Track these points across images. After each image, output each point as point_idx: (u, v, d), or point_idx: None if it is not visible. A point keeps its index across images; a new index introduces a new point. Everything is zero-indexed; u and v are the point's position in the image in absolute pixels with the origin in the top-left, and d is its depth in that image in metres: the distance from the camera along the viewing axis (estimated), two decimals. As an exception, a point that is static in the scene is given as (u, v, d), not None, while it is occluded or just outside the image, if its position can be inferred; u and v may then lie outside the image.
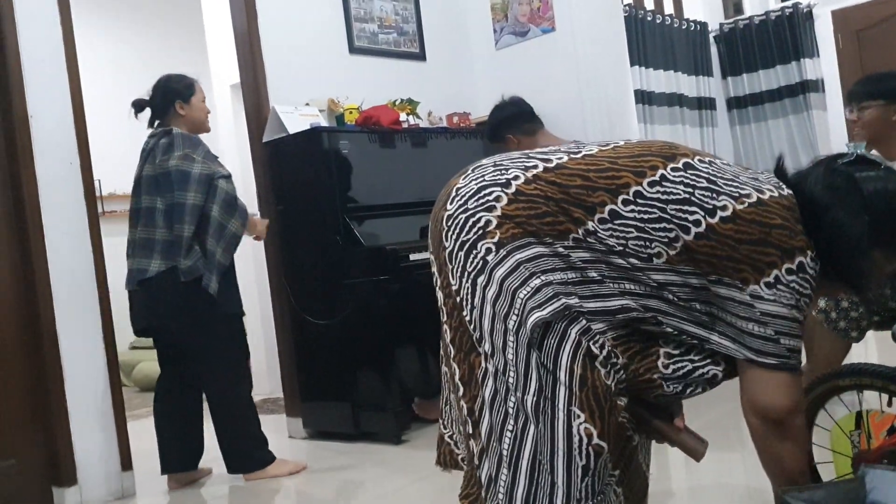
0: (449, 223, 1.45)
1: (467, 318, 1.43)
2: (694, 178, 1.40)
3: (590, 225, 1.38)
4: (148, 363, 5.99)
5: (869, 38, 6.36)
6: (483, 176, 1.48)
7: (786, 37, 6.58)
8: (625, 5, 5.32)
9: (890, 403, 1.79)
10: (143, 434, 3.63)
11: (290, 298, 3.83)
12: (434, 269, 1.52)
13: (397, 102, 4.23)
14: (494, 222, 1.40)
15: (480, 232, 1.41)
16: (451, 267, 1.45)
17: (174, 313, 3.13)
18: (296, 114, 3.83)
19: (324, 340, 3.74)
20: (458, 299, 1.44)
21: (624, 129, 4.56)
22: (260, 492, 3.21)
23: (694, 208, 1.37)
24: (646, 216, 1.37)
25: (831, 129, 6.50)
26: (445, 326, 1.50)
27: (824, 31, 6.55)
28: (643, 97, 5.95)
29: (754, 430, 1.45)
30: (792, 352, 1.38)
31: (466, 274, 1.42)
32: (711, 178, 1.40)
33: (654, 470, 2.85)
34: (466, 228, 1.42)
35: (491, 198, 1.42)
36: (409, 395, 3.67)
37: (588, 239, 1.39)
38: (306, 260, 3.79)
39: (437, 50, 4.78)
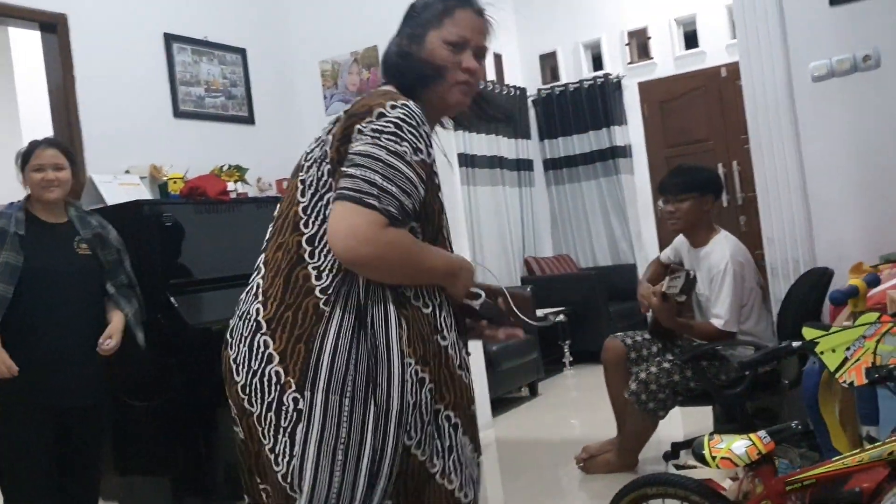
0: (247, 392, 1.49)
1: (282, 473, 1.45)
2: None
3: (312, 262, 1.49)
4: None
5: (670, 109, 6.96)
6: (241, 334, 1.53)
7: (598, 104, 7.07)
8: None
9: (691, 511, 1.96)
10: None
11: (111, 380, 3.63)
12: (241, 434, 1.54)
13: (224, 168, 4.15)
14: (282, 370, 1.45)
15: (279, 388, 1.45)
16: (262, 428, 1.47)
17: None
18: (115, 183, 3.66)
19: (145, 421, 3.57)
20: (272, 456, 1.46)
21: (449, 191, 4.69)
22: None
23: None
24: None
25: (638, 191, 7.02)
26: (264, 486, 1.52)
27: (631, 101, 7.09)
28: (466, 160, 6.19)
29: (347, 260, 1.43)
30: (373, 186, 1.39)
31: (282, 430, 1.44)
32: None
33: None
34: (265, 390, 1.46)
35: (262, 349, 1.48)
36: (232, 478, 3.57)
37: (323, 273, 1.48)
38: (127, 341, 3.61)
39: (266, 114, 4.74)
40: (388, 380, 1.43)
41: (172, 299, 3.50)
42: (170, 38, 4.22)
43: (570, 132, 7.24)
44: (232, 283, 3.81)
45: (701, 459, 1.86)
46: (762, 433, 1.83)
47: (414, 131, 1.46)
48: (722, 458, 1.82)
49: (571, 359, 6.26)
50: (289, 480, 1.44)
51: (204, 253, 3.77)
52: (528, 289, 5.67)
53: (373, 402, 1.42)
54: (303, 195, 1.54)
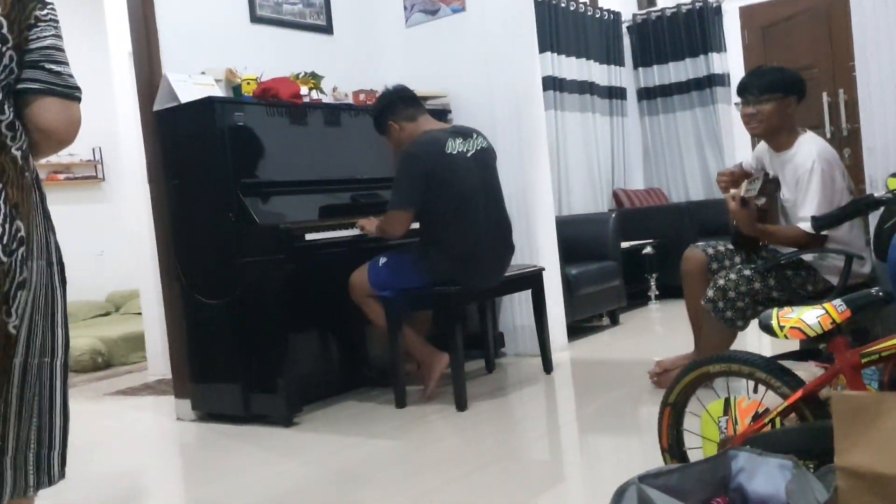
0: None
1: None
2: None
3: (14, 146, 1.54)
4: None
5: (773, 35, 6.53)
6: None
7: (695, 30, 6.71)
8: (538, -10, 5.30)
9: (756, 390, 1.81)
10: None
11: (181, 277, 3.69)
12: None
13: (300, 76, 4.11)
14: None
15: None
16: None
17: None
18: (190, 82, 3.66)
19: (215, 321, 3.61)
20: None
21: (531, 115, 4.54)
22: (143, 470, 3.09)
23: None
24: None
25: (735, 123, 6.65)
26: None
27: (731, 27, 6.70)
28: (554, 84, 5.98)
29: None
30: (72, 78, 1.54)
31: None
32: None
33: (547, 455, 2.87)
34: None
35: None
36: (300, 377, 3.59)
37: None
38: (199, 238, 3.65)
39: (344, 24, 4.67)
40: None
41: (243, 198, 3.50)
42: (248, -56, 4.18)
43: (666, 60, 6.92)
44: (302, 187, 3.81)
45: (768, 330, 1.70)
46: (837, 301, 1.65)
47: None
48: (791, 327, 1.66)
49: (658, 293, 6.03)
50: None
51: (275, 156, 3.76)
52: (613, 215, 5.46)
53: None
54: None
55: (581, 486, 2.57)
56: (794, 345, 2.73)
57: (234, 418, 3.60)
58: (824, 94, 6.09)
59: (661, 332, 5.24)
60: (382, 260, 3.56)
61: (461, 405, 3.42)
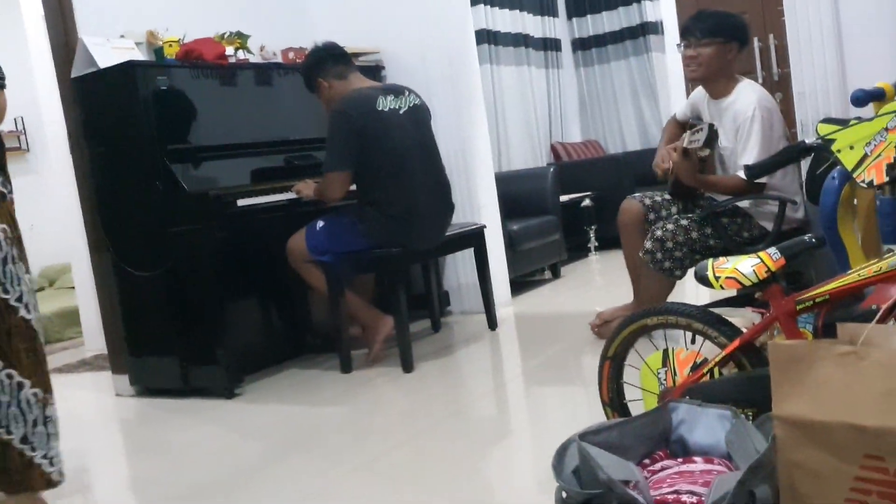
0: None
1: None
2: None
3: None
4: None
5: (704, -19, 6.53)
6: None
7: (628, -23, 6.67)
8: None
9: (693, 340, 1.82)
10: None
11: (111, 249, 3.56)
12: None
13: (226, 36, 3.95)
14: None
15: None
16: None
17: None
18: (108, 46, 3.50)
19: (149, 293, 3.50)
20: None
21: (467, 71, 4.47)
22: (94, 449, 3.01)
23: None
24: None
25: (669, 71, 6.68)
26: None
27: (663, -26, 6.67)
28: (488, 37, 5.90)
29: None
30: None
31: None
32: None
33: (495, 412, 2.88)
34: None
35: None
36: (240, 348, 3.52)
37: None
38: (126, 207, 3.52)
39: (270, -20, 4.51)
40: None
41: (170, 165, 3.38)
42: None
43: (599, 9, 6.88)
44: (233, 151, 3.70)
45: (704, 281, 1.70)
46: (772, 249, 1.65)
47: None
48: (727, 277, 1.66)
49: (597, 244, 6.09)
50: None
51: (203, 120, 3.63)
52: (552, 170, 5.46)
53: None
54: None
55: (529, 439, 2.58)
56: (730, 292, 2.77)
57: (175, 392, 3.52)
58: (755, 39, 6.13)
59: (601, 283, 5.29)
60: (320, 224, 3.48)
61: (407, 367, 3.40)
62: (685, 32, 3.13)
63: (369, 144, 3.31)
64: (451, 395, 3.10)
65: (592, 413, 2.49)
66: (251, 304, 3.76)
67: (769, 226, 3.04)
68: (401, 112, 3.43)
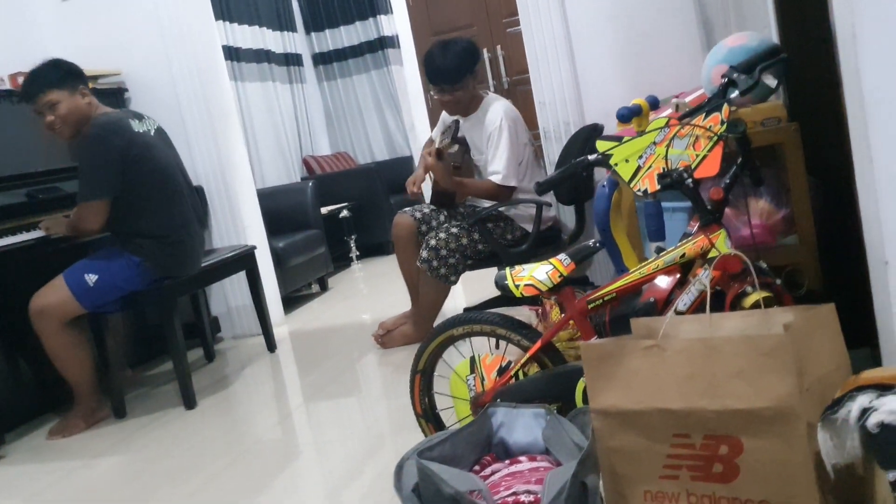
0: None
1: None
2: None
3: None
4: None
5: (435, -2, 6.86)
6: None
7: (361, -9, 6.84)
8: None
9: (497, 346, 1.94)
10: None
11: None
12: None
13: (-62, 60, 3.53)
14: None
15: None
16: None
17: None
18: None
19: None
20: None
21: (218, 88, 4.34)
22: None
23: None
24: None
25: (408, 82, 6.94)
26: None
27: (395, -11, 6.92)
28: (231, 53, 5.78)
29: None
30: None
31: None
32: None
33: (291, 436, 2.83)
34: None
35: None
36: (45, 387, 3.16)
37: None
38: None
39: (-11, -1, 4.07)
40: None
41: None
42: None
43: (337, 24, 6.98)
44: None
45: (504, 290, 1.82)
46: (562, 255, 1.81)
47: None
48: (526, 284, 1.79)
49: (358, 253, 6.19)
50: None
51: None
52: (310, 184, 5.46)
53: None
54: None
55: (339, 462, 2.59)
56: (489, 294, 2.95)
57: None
58: (485, 51, 6.57)
59: (366, 291, 5.38)
60: (91, 277, 3.12)
61: (189, 403, 3.26)
62: (435, 81, 3.31)
63: (131, 168, 3.08)
64: (244, 427, 3.01)
65: (394, 422, 2.56)
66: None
67: (529, 227, 3.30)
68: (152, 134, 3.26)
